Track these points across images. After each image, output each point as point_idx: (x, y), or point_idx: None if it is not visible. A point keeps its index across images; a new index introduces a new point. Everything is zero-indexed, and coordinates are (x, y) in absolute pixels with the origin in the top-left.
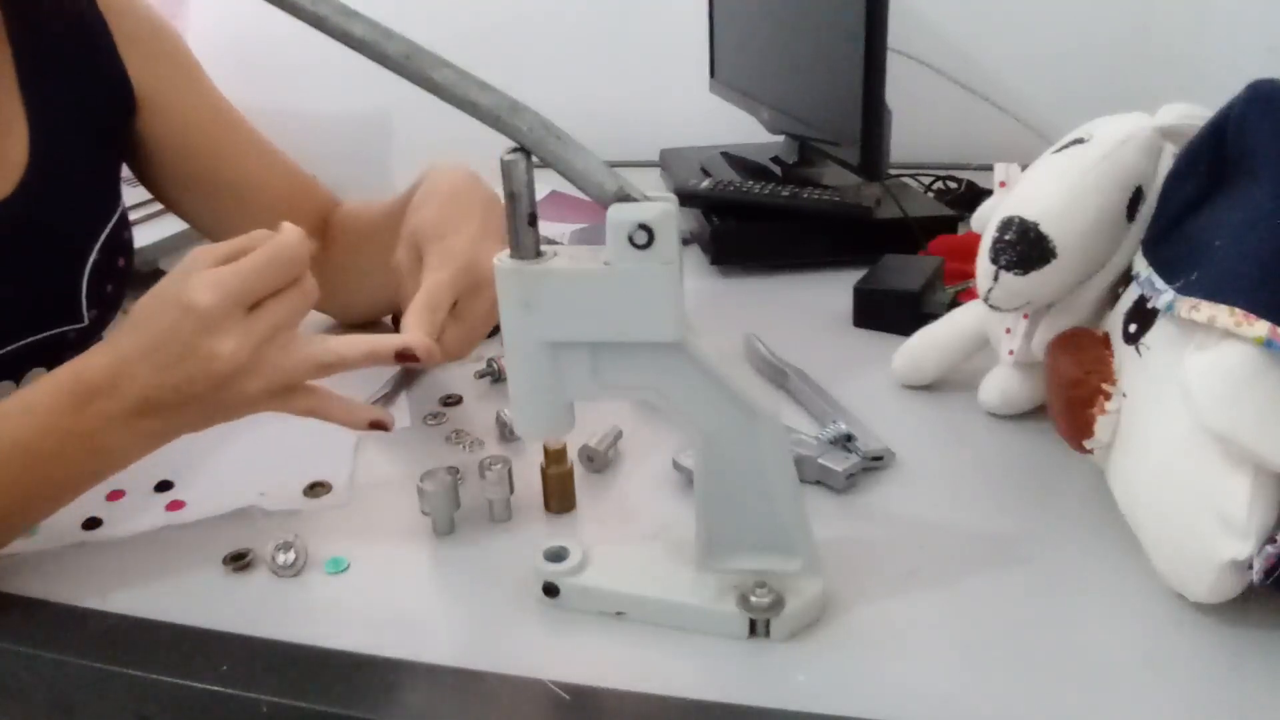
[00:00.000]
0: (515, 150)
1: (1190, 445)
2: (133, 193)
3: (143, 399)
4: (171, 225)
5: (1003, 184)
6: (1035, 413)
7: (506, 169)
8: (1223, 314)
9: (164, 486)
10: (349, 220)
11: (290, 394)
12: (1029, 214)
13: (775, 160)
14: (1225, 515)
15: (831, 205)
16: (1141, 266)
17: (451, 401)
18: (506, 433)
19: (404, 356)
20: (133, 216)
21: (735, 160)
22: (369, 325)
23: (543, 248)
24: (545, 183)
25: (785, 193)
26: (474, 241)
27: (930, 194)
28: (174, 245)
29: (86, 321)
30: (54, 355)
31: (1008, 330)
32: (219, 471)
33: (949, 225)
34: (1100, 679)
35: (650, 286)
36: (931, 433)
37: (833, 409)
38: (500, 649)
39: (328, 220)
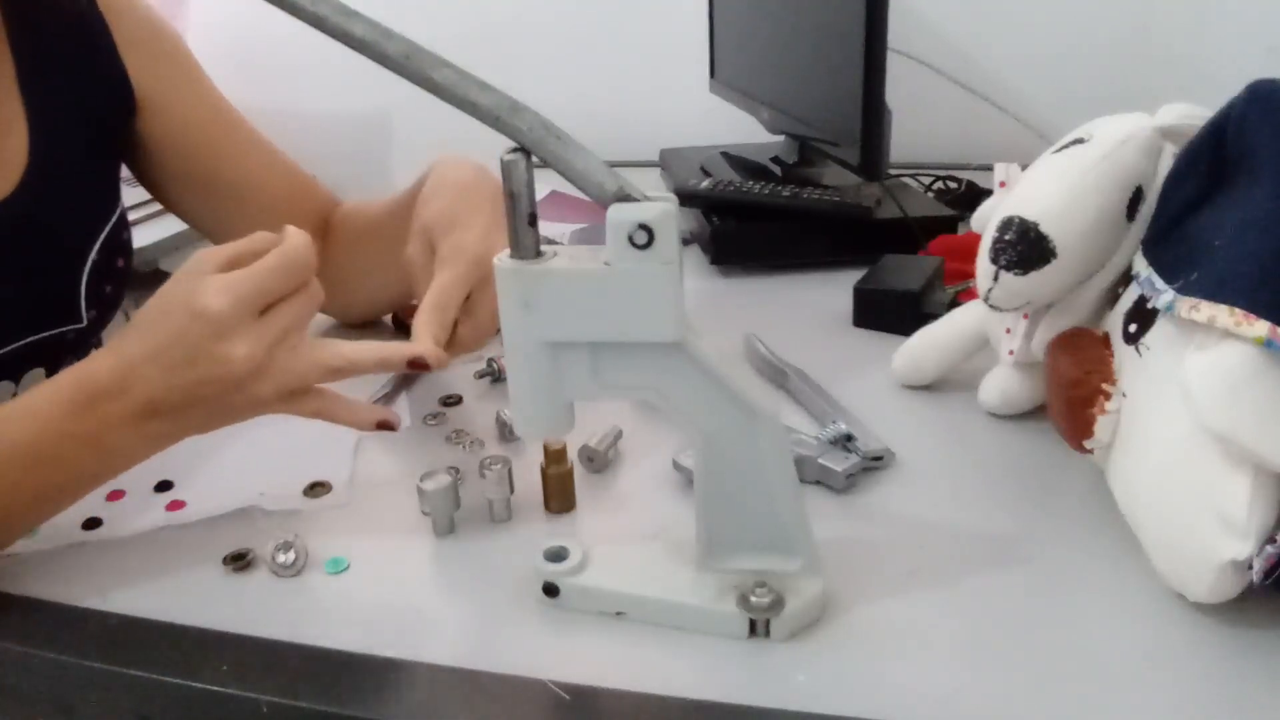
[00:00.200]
0: (515, 150)
1: (1190, 445)
2: (132, 193)
3: (150, 401)
4: (171, 225)
5: (1003, 184)
6: (1035, 413)
7: (506, 169)
8: (1223, 314)
9: (164, 486)
10: (350, 220)
11: (298, 397)
12: (1029, 214)
13: (775, 160)
14: (1225, 515)
15: (831, 205)
16: (1141, 266)
17: (451, 401)
18: (506, 433)
19: (415, 364)
20: (132, 216)
21: (735, 160)
22: (369, 324)
23: (543, 248)
24: (545, 183)
25: (785, 193)
26: (484, 235)
27: (930, 194)
28: (174, 245)
29: (85, 322)
30: (53, 355)
31: (1008, 330)
32: (219, 471)
33: (949, 225)
34: (1100, 679)
35: (650, 286)
36: (931, 433)
37: (833, 409)
38: (500, 649)
39: (328, 220)
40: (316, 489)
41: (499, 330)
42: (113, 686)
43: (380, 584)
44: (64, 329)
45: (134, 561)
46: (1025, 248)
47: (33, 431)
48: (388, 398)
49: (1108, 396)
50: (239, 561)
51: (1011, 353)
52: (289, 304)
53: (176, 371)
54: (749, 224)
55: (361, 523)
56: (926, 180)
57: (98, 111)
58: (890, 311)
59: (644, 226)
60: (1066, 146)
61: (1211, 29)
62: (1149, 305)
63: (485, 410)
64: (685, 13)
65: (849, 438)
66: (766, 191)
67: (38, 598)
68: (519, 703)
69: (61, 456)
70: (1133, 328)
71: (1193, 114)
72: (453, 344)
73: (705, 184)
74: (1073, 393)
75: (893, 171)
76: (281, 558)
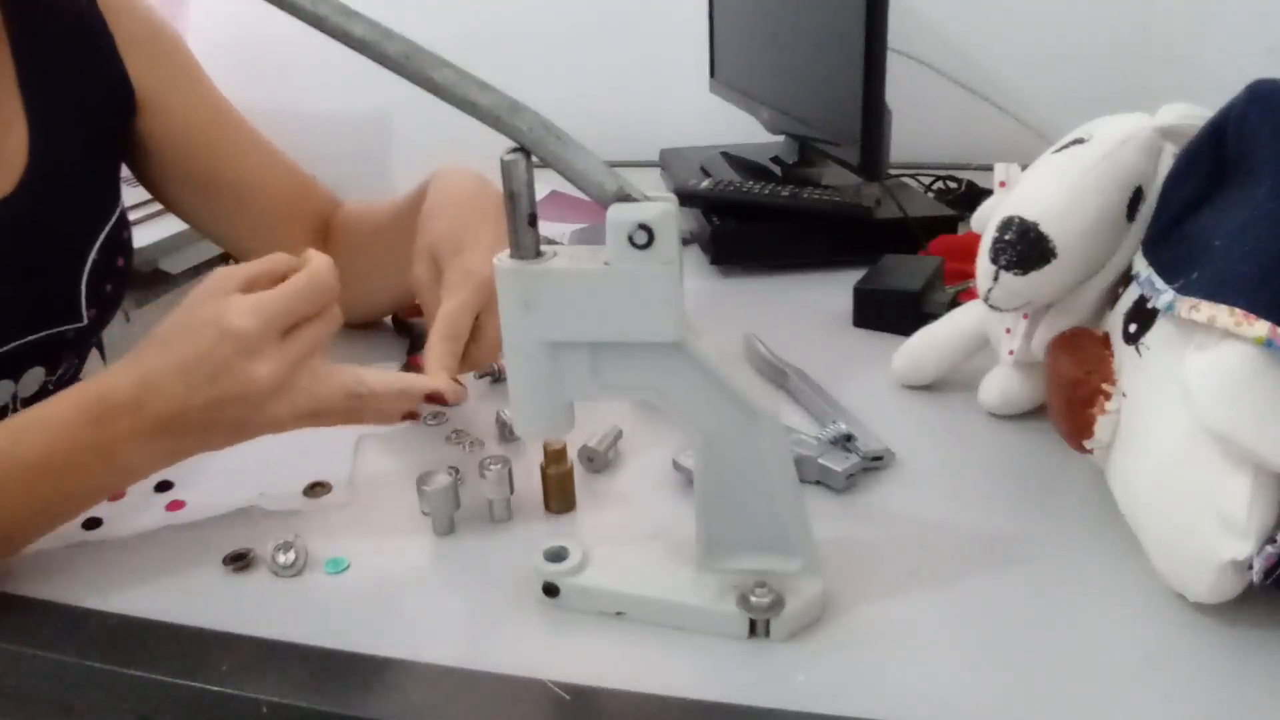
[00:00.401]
0: (515, 150)
1: (1190, 445)
2: (132, 193)
3: (167, 418)
4: (171, 225)
5: (1003, 184)
6: (1035, 413)
7: (506, 169)
8: (1223, 314)
9: (164, 486)
10: (350, 222)
11: (317, 418)
12: (1029, 214)
13: (775, 160)
14: (1225, 515)
15: (831, 205)
16: (1141, 266)
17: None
18: (506, 433)
19: (433, 399)
20: (132, 216)
21: (735, 160)
22: (369, 326)
23: (543, 248)
24: (545, 183)
25: (785, 193)
26: (490, 254)
27: (930, 194)
28: (174, 245)
29: (85, 321)
30: (53, 354)
31: (1008, 330)
32: (219, 471)
33: (949, 225)
34: (1100, 679)
35: (650, 286)
36: (931, 433)
37: (833, 409)
38: (500, 649)
39: (329, 222)
40: (316, 489)
41: None
42: (113, 686)
43: (380, 584)
44: (64, 328)
45: (134, 561)
46: (1025, 248)
47: (48, 443)
48: None
49: (1108, 396)
50: (239, 561)
51: (1011, 353)
52: (311, 326)
53: (199, 389)
54: (749, 224)
55: (361, 523)
56: (926, 180)
57: (98, 111)
58: (890, 311)
59: (644, 226)
60: (1066, 146)
61: (1211, 29)
62: (1149, 305)
63: (485, 410)
64: (685, 13)
65: (849, 438)
66: (766, 191)
67: (38, 598)
68: (519, 703)
69: (74, 468)
70: (1133, 328)
71: (1193, 114)
72: (463, 364)
73: (705, 184)
74: (1073, 393)
75: (893, 171)
76: (281, 558)
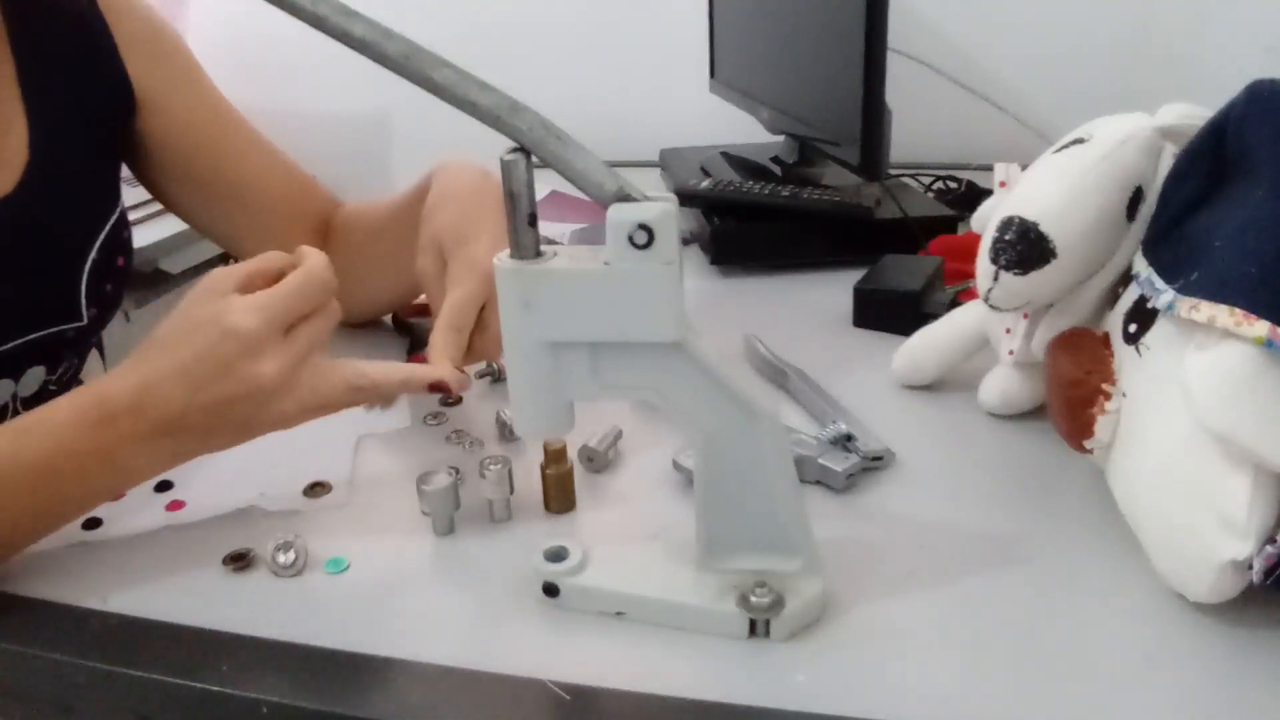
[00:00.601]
0: (515, 150)
1: (1190, 445)
2: (132, 193)
3: (168, 420)
4: (171, 225)
5: (1003, 184)
6: (1035, 413)
7: (506, 169)
8: (1223, 314)
9: (164, 486)
10: (351, 222)
11: (320, 412)
12: (1029, 214)
13: (775, 160)
14: (1225, 515)
15: (831, 205)
16: (1141, 266)
17: (451, 401)
18: (506, 433)
19: (437, 388)
20: (132, 216)
21: (735, 160)
22: (369, 325)
23: (543, 248)
24: (545, 183)
25: (785, 193)
26: (495, 245)
27: (930, 194)
28: (174, 245)
29: (85, 320)
30: (53, 353)
31: (1008, 330)
32: (219, 471)
33: (949, 225)
34: (1100, 679)
35: (650, 286)
36: (931, 433)
37: (833, 409)
38: (500, 649)
39: (329, 221)
40: (316, 489)
41: None
42: (113, 686)
43: (380, 584)
44: (64, 327)
45: (134, 561)
46: (1025, 248)
47: (49, 446)
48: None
49: (1108, 396)
50: (239, 561)
51: (1011, 353)
52: (311, 322)
53: (202, 389)
54: (749, 224)
55: (361, 523)
56: (926, 180)
57: (98, 111)
58: (890, 311)
59: (644, 226)
60: (1066, 146)
61: (1211, 29)
62: (1149, 305)
63: (485, 410)
64: (685, 13)
65: (849, 438)
66: (766, 191)
67: (38, 598)
68: (519, 703)
69: (75, 472)
70: (1133, 328)
71: (1193, 114)
72: (467, 356)
73: (705, 184)
74: (1073, 393)
75: (893, 171)
76: (281, 558)
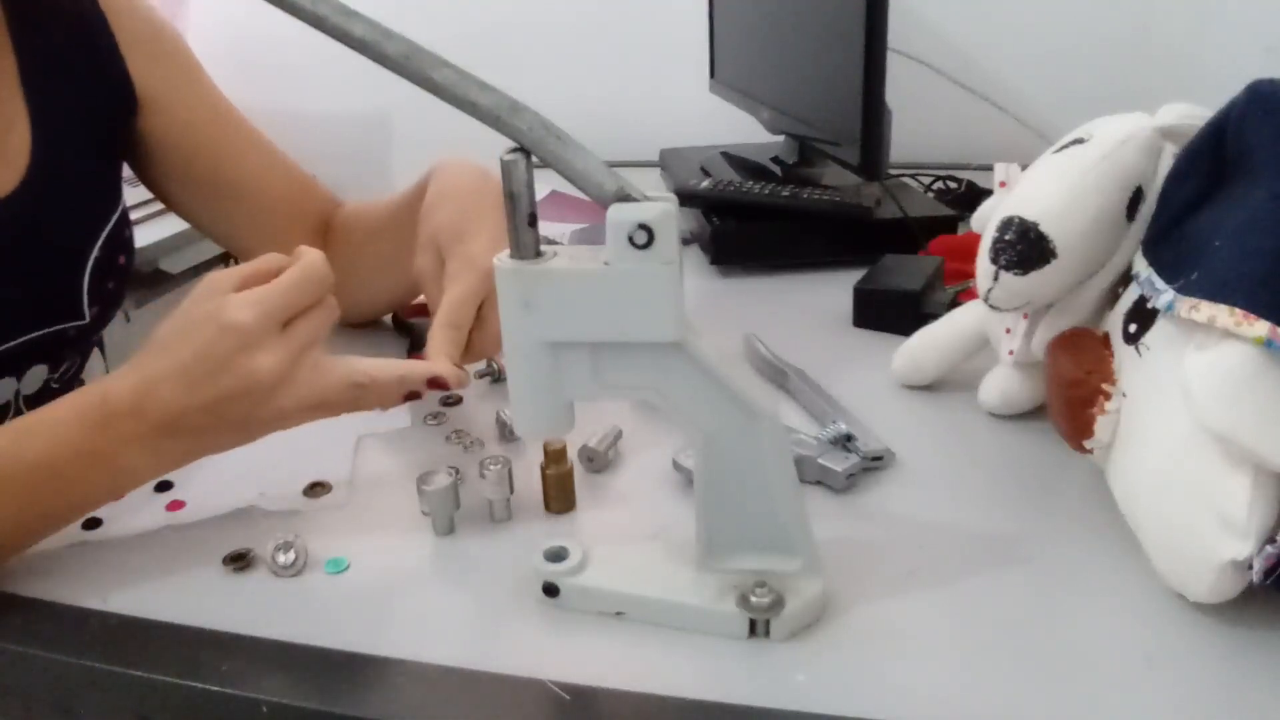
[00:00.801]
0: (515, 150)
1: (1190, 445)
2: (132, 193)
3: (169, 420)
4: (171, 225)
5: (1003, 184)
6: (1035, 413)
7: (506, 169)
8: (1223, 314)
9: (164, 486)
10: (351, 221)
11: (320, 410)
12: (1029, 214)
13: (775, 160)
14: (1225, 515)
15: (831, 205)
16: (1141, 266)
17: (451, 401)
18: (506, 433)
19: (435, 384)
20: (132, 216)
21: (735, 160)
22: (369, 325)
23: (543, 248)
24: (545, 183)
25: (785, 193)
26: (492, 244)
27: (930, 194)
28: (174, 245)
29: (87, 319)
30: (55, 352)
31: (1008, 330)
32: (219, 471)
33: (949, 225)
34: (1100, 679)
35: (650, 286)
36: (931, 433)
37: (833, 409)
38: (500, 649)
39: (329, 222)
40: (316, 489)
41: None
42: (113, 686)
43: (380, 584)
44: (66, 325)
45: (134, 561)
46: (1025, 248)
47: (49, 447)
48: None
49: (1108, 396)
50: (239, 561)
51: (1011, 353)
52: (309, 318)
53: (200, 387)
54: (749, 224)
55: (361, 523)
56: (926, 180)
57: (99, 110)
58: (890, 311)
59: (644, 226)
60: (1066, 146)
61: (1211, 29)
62: (1149, 305)
63: (485, 410)
64: (685, 13)
65: (849, 438)
66: (766, 191)
67: (38, 598)
68: (519, 703)
69: (76, 473)
70: (1133, 328)
71: (1193, 114)
72: (466, 354)
73: (705, 184)
74: (1073, 393)
75: (893, 171)
76: (281, 558)
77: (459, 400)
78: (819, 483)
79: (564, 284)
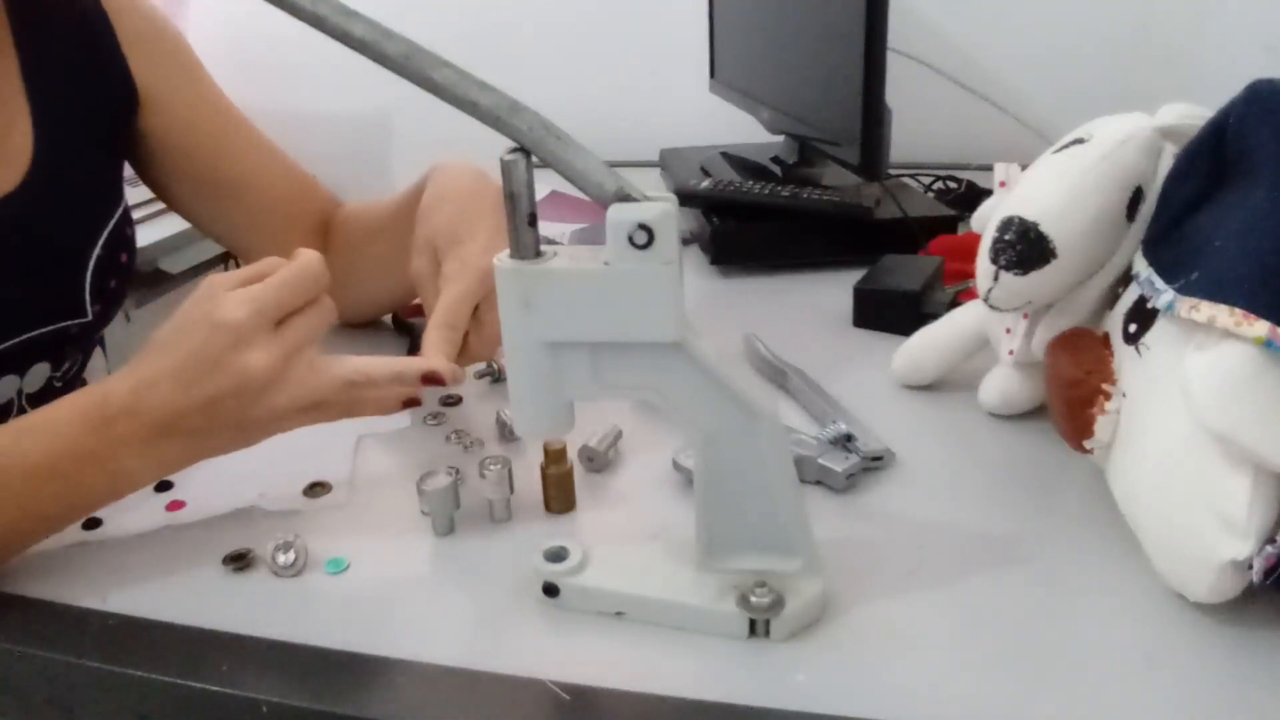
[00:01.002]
0: (515, 150)
1: (1190, 445)
2: (133, 193)
3: (166, 420)
4: (172, 225)
5: (1003, 184)
6: (1035, 413)
7: (506, 169)
8: (1223, 314)
9: (164, 486)
10: (351, 221)
11: (315, 411)
12: (1029, 214)
13: (775, 160)
14: (1225, 515)
15: (831, 205)
16: (1141, 266)
17: (451, 401)
18: (506, 433)
19: (430, 380)
20: (134, 216)
21: (735, 160)
22: (369, 325)
23: (543, 248)
24: (545, 183)
25: (785, 193)
26: (488, 246)
27: (930, 194)
28: (174, 245)
29: (90, 316)
30: (57, 350)
31: (1008, 330)
32: (219, 471)
33: (949, 225)
34: (1100, 679)
35: (650, 286)
36: (931, 433)
37: (833, 409)
38: (500, 649)
39: (329, 222)
40: (316, 489)
41: None
42: (113, 686)
43: (380, 584)
44: (68, 323)
45: (134, 561)
46: (1025, 248)
47: (48, 448)
48: None
49: (1108, 396)
50: (239, 561)
51: (1011, 353)
52: (304, 316)
53: (195, 386)
54: (749, 224)
55: (361, 523)
56: (926, 180)
57: (101, 108)
58: (890, 311)
59: (644, 226)
60: (1066, 146)
61: (1211, 29)
62: (1149, 305)
63: (485, 410)
64: (685, 13)
65: (849, 438)
66: (766, 191)
67: (38, 598)
68: (519, 703)
69: (76, 475)
70: (1133, 328)
71: (1193, 114)
72: (462, 356)
73: (705, 184)
74: (1073, 393)
75: (893, 171)
76: (281, 558)
77: (459, 400)
78: (819, 483)
79: (564, 284)
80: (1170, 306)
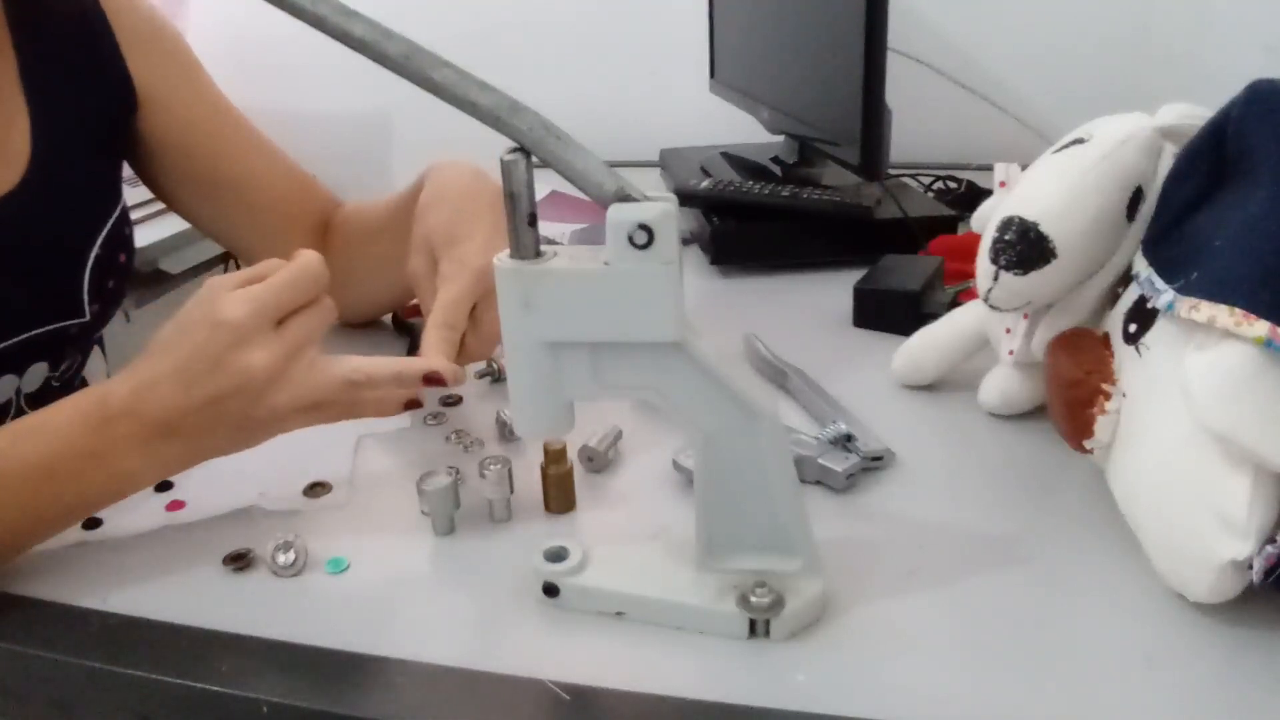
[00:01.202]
0: (515, 150)
1: (1190, 445)
2: (132, 193)
3: (166, 420)
4: (172, 225)
5: (1003, 184)
6: (1035, 413)
7: (506, 169)
8: (1223, 314)
9: (164, 486)
10: (350, 222)
11: (316, 411)
12: (1029, 214)
13: (775, 160)
14: (1225, 515)
15: (831, 205)
16: (1141, 266)
17: (451, 401)
18: (506, 433)
19: (431, 380)
20: (133, 216)
21: (735, 160)
22: (368, 325)
23: (543, 248)
24: (545, 183)
25: (785, 193)
26: (486, 246)
27: (930, 194)
28: (174, 245)
29: (88, 316)
30: (56, 350)
31: (1008, 330)
32: (219, 471)
33: (949, 225)
34: (1100, 679)
35: (650, 286)
36: (931, 433)
37: (833, 409)
38: (500, 649)
39: (328, 222)
40: (316, 489)
41: None
42: (113, 686)
43: (380, 584)
44: (67, 323)
45: (134, 561)
46: (1025, 248)
47: (49, 448)
48: None
49: (1108, 396)
50: (239, 561)
51: (1011, 353)
52: (304, 316)
53: (195, 386)
54: (749, 224)
55: (361, 523)
56: (926, 180)
57: (100, 108)
58: (890, 311)
59: (644, 226)
60: (1066, 146)
61: (1211, 29)
62: (1149, 305)
63: (485, 410)
64: (685, 13)
65: (849, 438)
66: (766, 191)
67: (38, 598)
68: (518, 703)
69: (76, 475)
70: (1133, 328)
71: (1193, 114)
72: (460, 356)
73: (705, 184)
74: (1072, 393)
75: (893, 171)
76: (281, 558)
77: (459, 400)
78: (819, 483)
79: (564, 284)
80: (1170, 306)
